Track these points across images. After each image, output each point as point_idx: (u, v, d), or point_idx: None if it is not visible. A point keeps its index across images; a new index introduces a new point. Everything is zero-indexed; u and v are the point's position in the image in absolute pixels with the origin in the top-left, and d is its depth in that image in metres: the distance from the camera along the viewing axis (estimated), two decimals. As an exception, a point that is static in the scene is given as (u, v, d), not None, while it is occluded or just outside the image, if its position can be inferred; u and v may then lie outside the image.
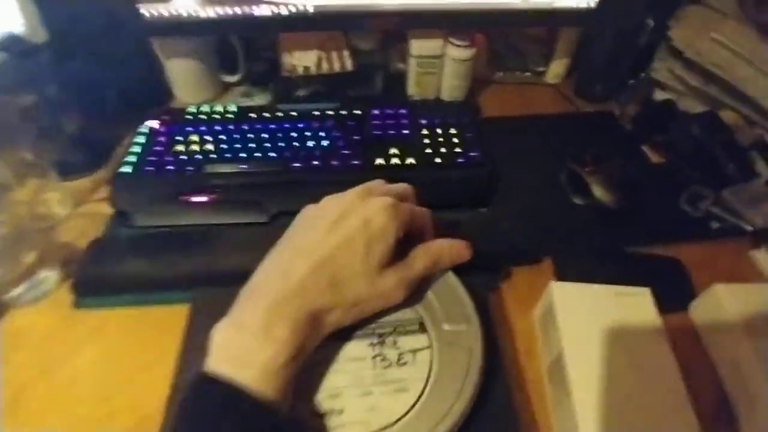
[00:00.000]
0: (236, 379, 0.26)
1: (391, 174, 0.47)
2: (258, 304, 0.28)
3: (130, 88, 0.57)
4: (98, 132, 0.55)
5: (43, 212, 0.49)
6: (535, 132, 0.57)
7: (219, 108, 0.55)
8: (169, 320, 0.39)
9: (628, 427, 0.31)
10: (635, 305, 0.37)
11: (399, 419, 0.28)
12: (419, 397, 0.29)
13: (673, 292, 0.43)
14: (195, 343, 0.36)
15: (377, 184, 0.36)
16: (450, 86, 0.59)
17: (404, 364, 0.30)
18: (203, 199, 0.47)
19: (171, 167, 0.48)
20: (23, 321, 0.41)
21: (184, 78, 0.60)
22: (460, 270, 0.40)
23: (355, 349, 0.31)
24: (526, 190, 0.50)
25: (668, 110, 0.57)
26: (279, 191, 0.47)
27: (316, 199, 0.47)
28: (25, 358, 0.38)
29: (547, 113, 0.61)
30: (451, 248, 0.36)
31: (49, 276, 0.43)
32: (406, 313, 0.33)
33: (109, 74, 0.54)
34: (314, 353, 0.30)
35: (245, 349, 0.27)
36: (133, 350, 0.39)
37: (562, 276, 0.42)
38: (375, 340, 0.32)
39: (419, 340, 0.32)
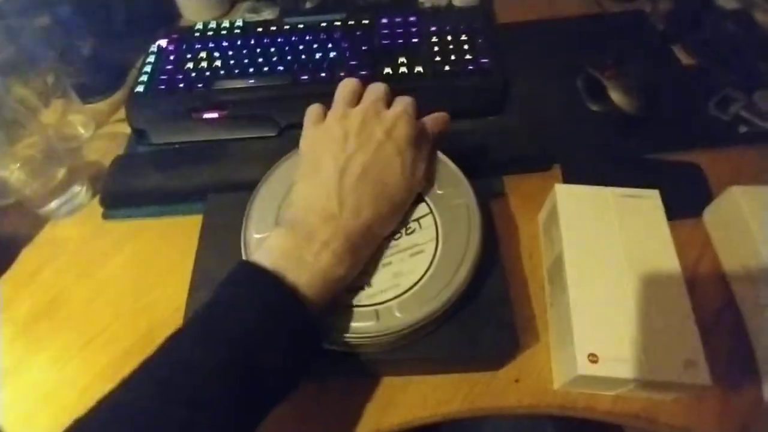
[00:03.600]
0: (284, 274, 0.26)
1: (399, 83, 0.46)
2: (316, 221, 0.29)
3: (137, 8, 0.57)
4: (111, 55, 0.56)
5: (69, 133, 0.51)
6: (555, 36, 0.54)
7: (226, 24, 0.54)
8: (188, 227, 0.41)
9: (623, 327, 0.30)
10: (642, 208, 0.36)
11: (424, 274, 0.31)
12: (435, 252, 0.32)
13: (690, 198, 0.41)
14: (209, 241, 0.38)
15: (378, 90, 0.35)
16: (464, -10, 0.55)
17: (412, 232, 0.33)
18: (214, 115, 0.48)
19: (181, 84, 0.49)
20: (60, 232, 0.45)
21: (190, -6, 0.58)
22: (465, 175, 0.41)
23: None
24: (540, 97, 0.48)
25: (703, 5, 0.51)
26: (288, 104, 0.47)
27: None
28: (63, 264, 0.43)
29: (571, 16, 0.56)
30: (434, 120, 0.36)
31: (80, 191, 0.46)
32: None
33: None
34: None
35: (302, 254, 0.27)
36: (159, 254, 0.42)
37: (570, 181, 0.42)
38: None
39: (420, 209, 0.34)
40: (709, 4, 0.52)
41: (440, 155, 0.37)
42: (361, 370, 0.34)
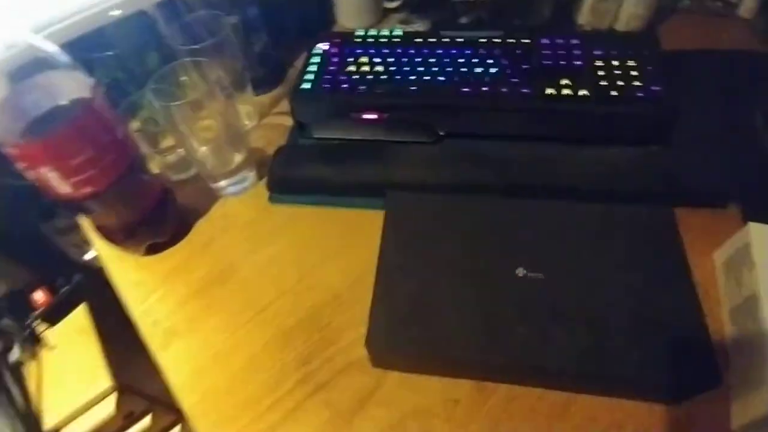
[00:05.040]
0: None
1: (562, 105, 0.46)
2: None
3: (305, 13, 0.61)
4: (276, 53, 0.61)
5: (236, 122, 0.56)
6: (723, 68, 0.52)
7: (385, 32, 0.57)
8: (347, 219, 0.45)
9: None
10: None
11: None
12: None
13: None
14: (393, 235, 0.39)
15: None
16: (629, 15, 0.54)
17: None
18: (373, 116, 0.50)
19: (345, 86, 0.52)
20: (231, 209, 0.49)
21: (349, 2, 0.62)
22: (630, 202, 0.40)
23: None
24: (710, 130, 0.46)
25: None
26: (448, 114, 0.49)
27: (484, 124, 0.48)
28: (233, 238, 0.46)
29: (738, 50, 0.54)
30: None
31: (249, 175, 0.50)
32: None
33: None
34: None
35: None
36: (319, 241, 0.45)
37: (754, 220, 0.39)
38: None
39: None
40: None
41: None
42: (538, 380, 0.34)
